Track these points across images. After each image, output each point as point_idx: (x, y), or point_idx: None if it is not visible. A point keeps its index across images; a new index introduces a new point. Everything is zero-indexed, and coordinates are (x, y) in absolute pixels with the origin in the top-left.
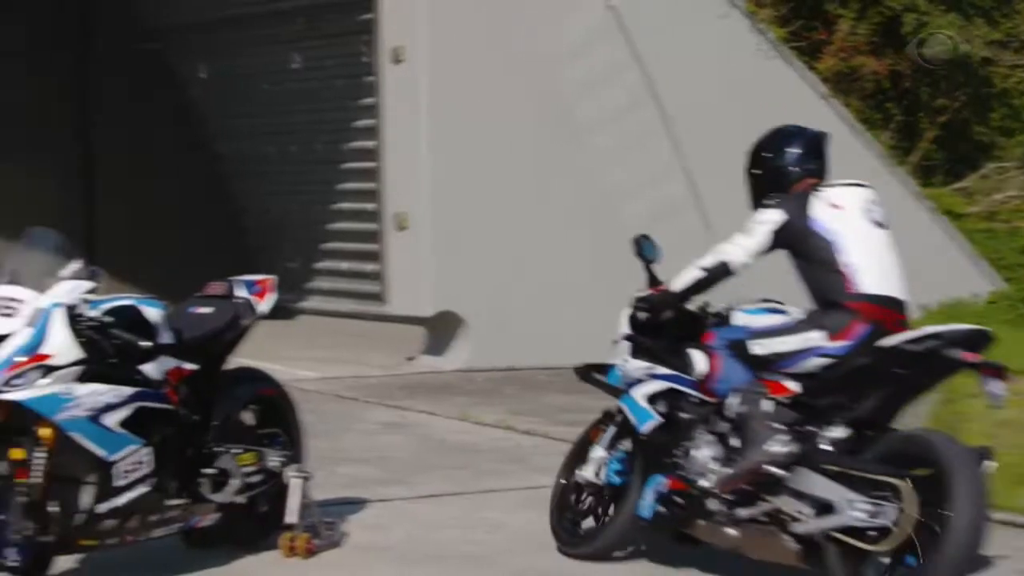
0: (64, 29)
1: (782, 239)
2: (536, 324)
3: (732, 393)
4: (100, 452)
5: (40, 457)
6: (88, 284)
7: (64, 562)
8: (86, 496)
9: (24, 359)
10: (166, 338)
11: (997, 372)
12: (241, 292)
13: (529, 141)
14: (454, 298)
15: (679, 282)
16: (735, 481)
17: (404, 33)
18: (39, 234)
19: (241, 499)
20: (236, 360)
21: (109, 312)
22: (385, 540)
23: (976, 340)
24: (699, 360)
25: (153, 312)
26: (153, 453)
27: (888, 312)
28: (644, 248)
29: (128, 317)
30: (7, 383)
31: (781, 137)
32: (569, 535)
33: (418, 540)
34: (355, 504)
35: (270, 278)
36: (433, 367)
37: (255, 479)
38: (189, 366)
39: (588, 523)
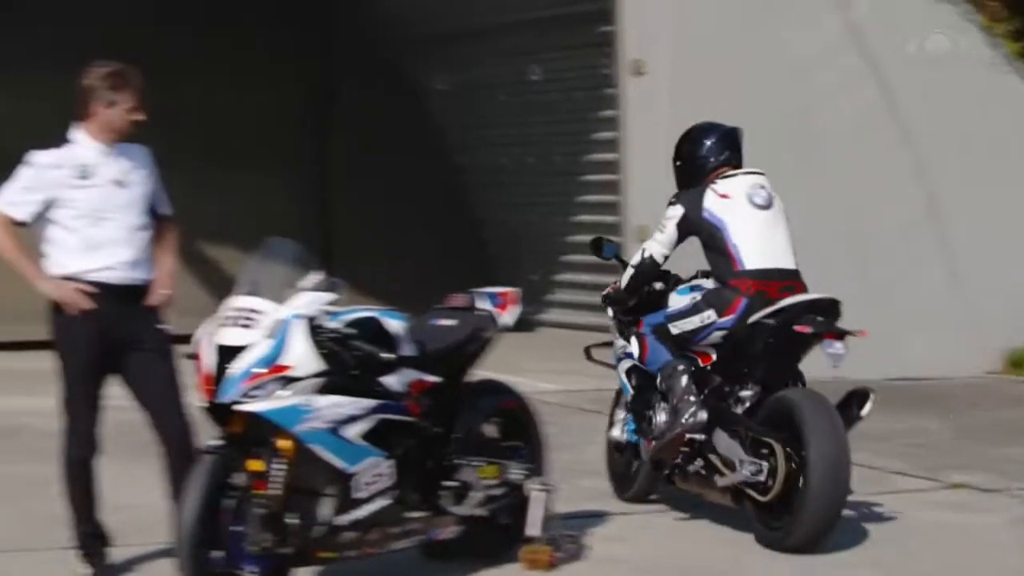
0: (307, 36)
1: (684, 230)
2: None
3: (657, 372)
4: (340, 464)
5: (279, 469)
6: (329, 296)
7: (302, 574)
8: (326, 508)
9: (263, 370)
10: (408, 350)
11: (838, 336)
12: (483, 304)
13: (770, 153)
14: None
15: (623, 279)
16: (663, 449)
17: (645, 46)
18: (278, 244)
19: (482, 512)
20: (479, 372)
21: (350, 324)
22: (628, 553)
23: (824, 307)
24: (634, 345)
25: (395, 324)
26: (394, 465)
27: (770, 283)
28: (603, 249)
29: (370, 329)
30: (246, 394)
31: (699, 131)
32: (619, 484)
33: (661, 553)
34: (597, 517)
35: (513, 290)
36: None
37: (497, 491)
38: (431, 378)
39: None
